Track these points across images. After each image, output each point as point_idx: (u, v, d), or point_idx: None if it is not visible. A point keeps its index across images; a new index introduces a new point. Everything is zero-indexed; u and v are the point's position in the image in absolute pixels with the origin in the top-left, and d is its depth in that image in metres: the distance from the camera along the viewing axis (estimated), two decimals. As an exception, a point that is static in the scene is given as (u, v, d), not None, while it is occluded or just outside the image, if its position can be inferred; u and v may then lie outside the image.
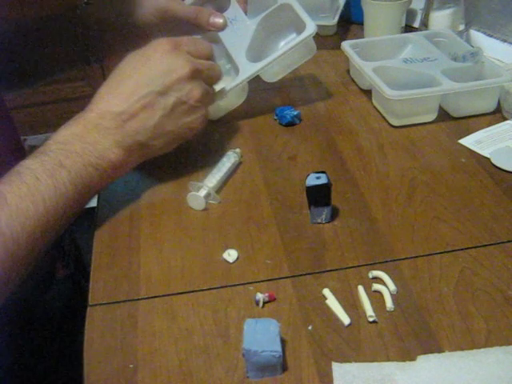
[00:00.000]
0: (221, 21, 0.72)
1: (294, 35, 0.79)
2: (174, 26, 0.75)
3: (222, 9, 0.78)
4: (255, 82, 0.76)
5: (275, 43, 0.81)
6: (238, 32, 0.76)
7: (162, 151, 0.63)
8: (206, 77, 0.63)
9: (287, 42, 0.79)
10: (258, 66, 0.73)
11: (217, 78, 0.66)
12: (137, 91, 0.59)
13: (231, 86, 0.73)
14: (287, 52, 0.72)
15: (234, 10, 0.78)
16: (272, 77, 0.80)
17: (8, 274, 0.50)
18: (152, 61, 0.60)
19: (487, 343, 0.46)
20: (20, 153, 0.72)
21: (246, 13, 0.78)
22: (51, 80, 0.86)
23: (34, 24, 0.79)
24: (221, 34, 0.76)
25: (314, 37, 0.73)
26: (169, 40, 0.62)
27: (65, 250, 0.81)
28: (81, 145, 0.56)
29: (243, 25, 0.77)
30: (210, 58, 0.65)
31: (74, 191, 0.55)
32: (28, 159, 0.55)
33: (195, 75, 0.61)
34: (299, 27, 0.74)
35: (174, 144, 0.64)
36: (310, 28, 0.71)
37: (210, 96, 0.65)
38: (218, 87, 0.69)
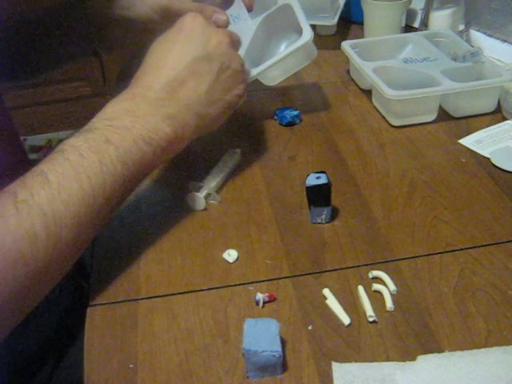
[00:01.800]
0: (224, 18, 0.72)
1: (295, 36, 0.78)
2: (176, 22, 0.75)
3: (225, 6, 0.78)
4: (255, 82, 0.75)
5: (277, 44, 0.80)
6: (240, 31, 0.76)
7: (215, 123, 0.61)
8: (235, 44, 0.63)
9: (289, 43, 0.78)
10: (255, 71, 0.73)
11: (240, 44, 0.66)
12: (181, 59, 0.58)
13: None
14: (283, 58, 0.72)
15: (238, 8, 0.77)
16: (271, 81, 0.80)
17: (50, 260, 0.46)
18: (188, 32, 0.59)
19: (487, 343, 0.46)
20: (20, 153, 0.72)
21: (251, 9, 0.77)
22: (55, 71, 0.86)
23: (42, 14, 0.78)
24: None
25: (314, 40, 0.72)
26: (196, 13, 0.61)
27: None
28: (130, 119, 0.53)
29: (245, 25, 0.76)
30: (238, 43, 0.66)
31: (123, 169, 0.51)
32: (72, 137, 0.51)
33: (232, 41, 0.61)
34: (300, 29, 0.73)
35: (226, 114, 0.62)
36: (307, 35, 0.70)
37: (244, 62, 0.64)
38: None
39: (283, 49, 0.80)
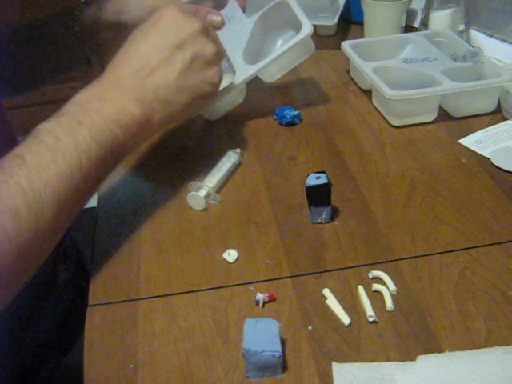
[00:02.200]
0: (219, 19, 0.72)
1: (292, 32, 0.79)
2: None
3: (219, 7, 0.77)
4: (255, 82, 0.76)
5: (273, 41, 0.80)
6: (235, 31, 0.76)
7: (186, 112, 0.62)
8: (214, 40, 0.63)
9: (285, 40, 0.78)
10: (255, 68, 0.73)
11: (222, 51, 0.66)
12: (153, 48, 0.58)
13: (228, 88, 0.73)
14: (284, 53, 0.72)
15: (232, 8, 0.77)
16: (271, 77, 0.80)
17: (34, 237, 0.47)
18: (162, 21, 0.60)
19: (487, 343, 0.46)
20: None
21: (244, 10, 0.78)
22: (53, 82, 0.86)
23: (33, 26, 0.78)
24: (218, 33, 0.76)
25: (313, 36, 0.73)
26: (172, 4, 0.61)
27: (66, 252, 0.81)
28: (99, 103, 0.54)
29: (241, 24, 0.76)
30: (214, 34, 0.65)
31: (97, 149, 0.52)
32: (44, 122, 0.52)
33: (207, 31, 0.61)
34: (297, 25, 0.73)
35: (196, 103, 0.62)
36: (307, 28, 0.71)
37: (221, 51, 0.64)
38: (224, 83, 0.69)
39: (279, 45, 0.80)
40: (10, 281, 0.47)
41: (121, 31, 0.75)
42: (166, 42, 0.58)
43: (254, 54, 0.76)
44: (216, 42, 0.63)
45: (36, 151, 0.49)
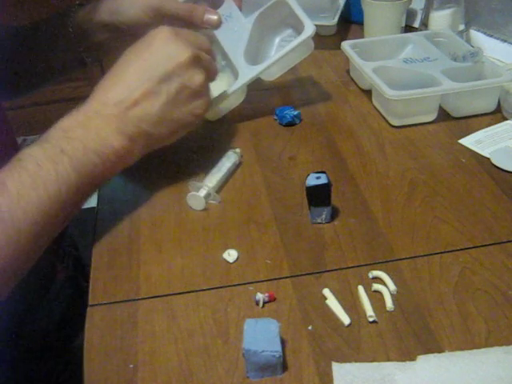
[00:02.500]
0: (215, 18, 0.72)
1: (289, 31, 0.79)
2: (168, 24, 0.75)
3: (215, 6, 0.77)
4: (255, 82, 0.75)
5: (270, 40, 0.81)
6: (234, 30, 0.76)
7: (167, 141, 0.62)
8: (205, 67, 0.62)
9: (282, 39, 0.79)
10: (258, 69, 0.73)
11: (214, 74, 0.66)
12: (139, 78, 0.58)
13: (232, 90, 0.73)
14: (289, 52, 0.72)
15: (229, 7, 0.77)
16: (271, 76, 0.80)
17: (9, 263, 0.48)
18: (152, 47, 0.59)
19: (487, 343, 0.46)
20: (15, 150, 0.72)
21: (240, 9, 0.78)
22: (50, 84, 0.86)
23: (28, 28, 0.78)
24: (216, 33, 0.76)
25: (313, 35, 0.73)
26: (168, 27, 0.61)
27: (64, 251, 0.81)
28: (82, 131, 0.55)
29: (239, 23, 0.76)
30: (209, 51, 0.65)
31: (76, 178, 0.53)
32: (29, 147, 0.53)
33: (196, 61, 0.60)
34: (294, 23, 0.74)
35: (179, 133, 0.62)
36: (310, 28, 0.71)
37: (211, 78, 0.64)
38: (217, 91, 0.69)
39: (277, 44, 0.80)
40: None
41: (117, 32, 0.75)
42: (153, 73, 0.58)
43: (253, 53, 0.77)
44: (209, 65, 0.63)
45: (18, 178, 0.50)
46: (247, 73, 0.73)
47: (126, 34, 0.76)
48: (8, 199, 0.48)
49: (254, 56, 0.76)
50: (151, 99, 0.58)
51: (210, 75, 0.64)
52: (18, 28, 0.79)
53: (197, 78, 0.60)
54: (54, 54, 0.78)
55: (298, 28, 0.73)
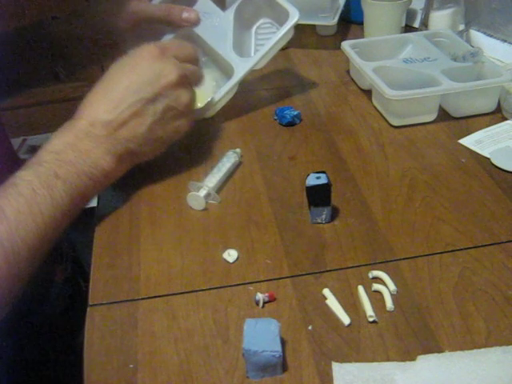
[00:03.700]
0: (193, 15, 0.72)
1: (262, 20, 0.80)
2: (146, 27, 0.75)
3: (190, 4, 0.77)
4: (255, 82, 0.75)
5: (247, 30, 0.82)
6: (215, 25, 0.76)
7: (150, 156, 0.64)
8: (191, 81, 0.64)
9: (258, 27, 0.80)
10: (253, 60, 0.74)
11: (198, 82, 0.67)
12: (126, 98, 0.59)
13: (230, 84, 0.73)
14: (278, 41, 0.74)
15: (204, 3, 0.77)
16: (258, 65, 0.81)
17: (10, 288, 0.49)
18: (139, 67, 0.60)
19: (487, 343, 0.46)
20: (10, 155, 0.72)
21: (225, 3, 0.79)
22: (18, 94, 0.86)
23: (6, 35, 0.78)
24: (197, 30, 0.76)
25: (313, 35, 0.73)
26: (155, 45, 0.61)
27: (63, 253, 0.81)
28: (74, 154, 0.56)
29: (218, 17, 0.77)
30: (195, 61, 0.66)
31: (69, 201, 0.54)
32: (23, 170, 0.54)
33: (183, 81, 0.62)
34: (270, 12, 0.75)
35: (162, 148, 0.64)
36: (295, 14, 0.73)
37: (194, 100, 0.65)
38: (203, 101, 0.70)
39: (253, 33, 0.82)
40: None
41: (93, 45, 0.75)
42: (141, 94, 0.59)
43: (238, 45, 0.77)
44: (195, 77, 0.64)
45: (16, 205, 0.51)
46: (242, 66, 0.74)
47: (108, 44, 0.76)
48: (7, 227, 0.49)
49: (237, 48, 0.76)
50: (139, 120, 0.60)
51: (197, 84, 0.66)
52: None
53: (183, 97, 0.62)
54: (28, 64, 0.78)
55: (274, 15, 0.74)
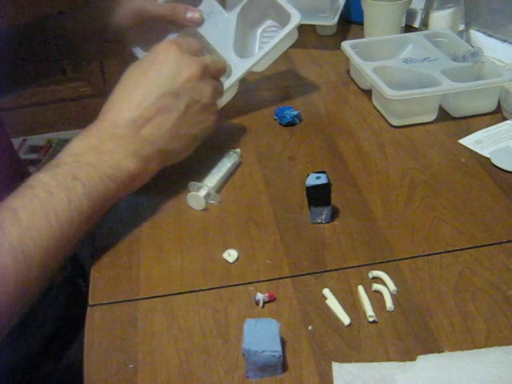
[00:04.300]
0: (198, 15, 0.72)
1: (269, 21, 0.80)
2: (150, 26, 0.75)
3: (195, 4, 0.77)
4: (255, 82, 0.76)
5: (253, 32, 0.82)
6: (218, 26, 0.76)
7: (179, 156, 0.62)
8: (213, 72, 0.63)
9: (264, 29, 0.80)
10: (251, 61, 0.73)
11: (223, 71, 0.66)
12: (148, 96, 0.57)
13: (227, 85, 0.73)
14: (278, 43, 0.73)
15: (209, 4, 0.77)
16: (260, 67, 0.81)
17: (20, 293, 0.47)
18: (159, 64, 0.59)
19: (487, 343, 0.46)
20: (11, 155, 0.72)
21: (225, 3, 0.78)
22: (28, 88, 0.86)
23: (5, 33, 0.78)
24: (200, 30, 0.76)
25: (313, 35, 0.73)
26: (171, 42, 0.61)
27: None
28: (95, 156, 0.54)
29: (222, 18, 0.77)
30: (201, 52, 0.64)
31: (89, 204, 0.52)
32: (40, 172, 0.52)
33: (204, 73, 0.60)
34: (275, 13, 0.75)
35: (191, 147, 0.62)
36: (296, 16, 0.72)
37: (219, 91, 0.64)
38: None
39: (259, 35, 0.81)
40: None
41: (98, 40, 0.75)
42: (163, 90, 0.58)
43: (241, 47, 0.77)
44: (215, 70, 0.63)
45: (30, 207, 0.49)
46: (240, 67, 0.74)
47: (112, 42, 0.76)
48: (19, 229, 0.47)
49: (243, 49, 0.76)
50: (163, 116, 0.58)
51: (220, 74, 0.65)
52: (2, 29, 0.79)
53: (206, 90, 0.61)
54: (33, 59, 0.78)
55: (279, 18, 0.74)
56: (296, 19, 0.72)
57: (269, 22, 0.80)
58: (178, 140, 0.60)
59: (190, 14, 0.71)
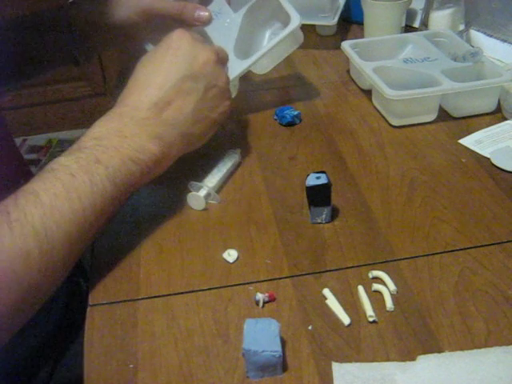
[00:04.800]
0: (206, 14, 0.72)
1: (278, 24, 0.79)
2: (159, 23, 0.75)
3: (205, 3, 0.77)
4: (255, 82, 0.76)
5: (261, 34, 0.81)
6: (224, 26, 0.76)
7: (200, 141, 0.62)
8: (221, 59, 0.64)
9: (273, 32, 0.79)
10: (247, 62, 0.73)
11: (227, 59, 0.67)
12: (168, 79, 0.58)
13: None
14: (274, 46, 0.72)
15: (219, 3, 0.77)
16: (262, 69, 0.80)
17: (43, 277, 0.47)
18: (174, 50, 0.60)
19: (487, 343, 0.46)
20: (14, 153, 0.72)
21: (229, 3, 0.78)
22: (39, 79, 0.86)
23: (18, 22, 0.78)
24: (207, 29, 0.76)
25: (302, 27, 0.73)
26: (183, 30, 0.61)
27: None
28: (118, 139, 0.54)
29: (229, 18, 0.76)
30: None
31: (112, 188, 0.52)
32: (62, 156, 0.52)
33: (217, 59, 0.62)
34: (283, 17, 0.74)
35: (210, 132, 0.63)
36: (295, 20, 0.71)
37: (228, 77, 0.65)
38: None
39: (267, 38, 0.81)
40: (13, 319, 0.47)
41: (108, 32, 0.75)
42: (180, 73, 0.59)
43: (244, 48, 0.77)
44: (223, 64, 0.64)
45: (52, 189, 0.48)
46: (235, 68, 0.73)
47: (120, 36, 0.76)
48: (41, 211, 0.47)
49: (245, 50, 0.76)
50: (184, 99, 0.58)
51: (224, 63, 0.66)
52: (9, 20, 0.79)
53: (222, 75, 0.62)
54: (46, 48, 0.78)
55: (286, 21, 0.73)
56: (294, 23, 0.71)
57: (278, 25, 0.79)
58: (199, 124, 0.60)
59: (198, 13, 0.72)
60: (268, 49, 0.72)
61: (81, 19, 0.74)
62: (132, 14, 0.72)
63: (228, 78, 0.64)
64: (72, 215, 0.49)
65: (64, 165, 0.51)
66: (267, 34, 0.81)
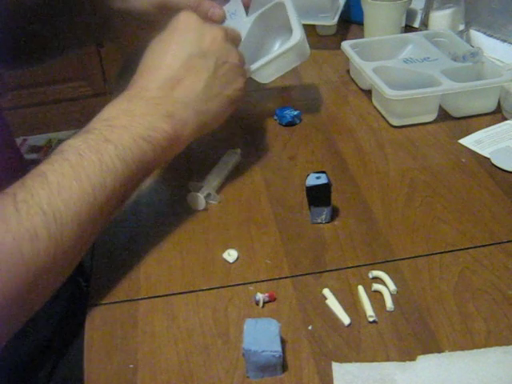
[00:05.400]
0: (220, 12, 0.72)
1: (288, 35, 0.79)
2: (174, 15, 0.75)
3: (222, 2, 0.77)
4: (255, 82, 0.75)
5: (272, 42, 0.81)
6: (235, 27, 0.76)
7: (217, 120, 0.61)
8: (231, 38, 0.64)
9: (283, 42, 0.78)
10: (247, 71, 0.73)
11: (239, 39, 0.67)
12: (176, 58, 0.58)
13: None
14: (275, 58, 0.71)
15: (235, 5, 0.77)
16: (265, 79, 0.80)
17: (52, 262, 0.45)
18: (181, 30, 0.60)
19: (487, 343, 0.46)
20: (14, 153, 0.72)
21: (248, 7, 0.78)
22: (63, 56, 0.86)
23: (51, 4, 0.78)
24: None
25: (309, 40, 0.72)
26: (189, 12, 0.62)
27: None
28: (128, 118, 0.53)
29: (240, 21, 0.76)
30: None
31: (123, 167, 0.51)
32: (71, 138, 0.51)
33: (226, 36, 0.62)
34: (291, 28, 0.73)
35: (226, 109, 0.62)
36: (297, 36, 0.69)
37: (242, 54, 0.65)
38: None
39: (277, 47, 0.80)
40: (25, 304, 0.46)
41: (128, 21, 0.75)
42: (189, 52, 0.59)
43: (251, 53, 0.76)
44: (235, 44, 0.64)
45: (59, 169, 0.48)
46: None
47: (135, 24, 0.77)
48: (48, 191, 0.46)
49: (252, 56, 0.76)
50: (194, 77, 0.58)
51: (237, 43, 0.66)
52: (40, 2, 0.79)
53: (232, 52, 0.62)
54: (72, 29, 0.78)
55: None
56: (295, 39, 0.69)
57: (288, 36, 0.79)
58: (212, 101, 0.60)
59: (212, 11, 0.72)
60: (267, 61, 0.71)
61: (103, 4, 0.75)
62: (148, 5, 0.73)
63: (242, 55, 0.63)
64: (81, 194, 0.47)
65: (72, 146, 0.50)
66: (277, 43, 0.80)
